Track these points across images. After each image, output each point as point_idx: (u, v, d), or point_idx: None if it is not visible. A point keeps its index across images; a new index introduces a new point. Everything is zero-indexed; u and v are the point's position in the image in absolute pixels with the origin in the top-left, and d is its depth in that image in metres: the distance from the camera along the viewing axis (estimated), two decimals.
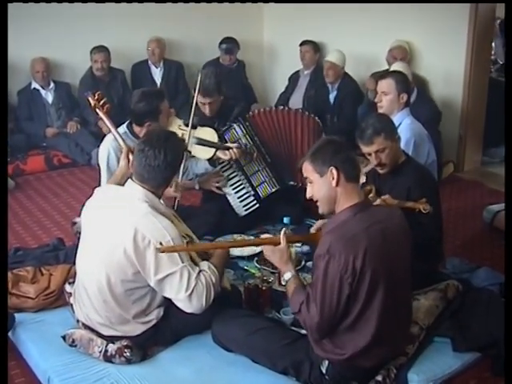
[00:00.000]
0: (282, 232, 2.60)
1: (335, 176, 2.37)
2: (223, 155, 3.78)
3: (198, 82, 3.88)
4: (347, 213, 2.39)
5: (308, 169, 2.45)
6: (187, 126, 3.73)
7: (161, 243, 2.49)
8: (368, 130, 3.06)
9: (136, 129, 3.55)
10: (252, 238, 3.67)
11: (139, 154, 2.65)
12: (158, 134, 2.75)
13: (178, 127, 3.74)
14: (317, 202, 2.49)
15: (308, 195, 2.50)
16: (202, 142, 3.75)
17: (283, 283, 2.58)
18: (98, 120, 3.26)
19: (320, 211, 2.52)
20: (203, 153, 3.79)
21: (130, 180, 2.74)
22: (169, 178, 2.71)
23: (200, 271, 2.66)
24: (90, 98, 3.42)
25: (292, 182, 4.10)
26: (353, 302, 2.35)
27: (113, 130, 3.25)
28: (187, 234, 2.85)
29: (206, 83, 3.95)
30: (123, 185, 2.87)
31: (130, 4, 6.28)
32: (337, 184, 2.38)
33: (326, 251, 2.31)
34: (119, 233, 2.59)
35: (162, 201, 2.76)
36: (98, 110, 3.36)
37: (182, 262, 2.59)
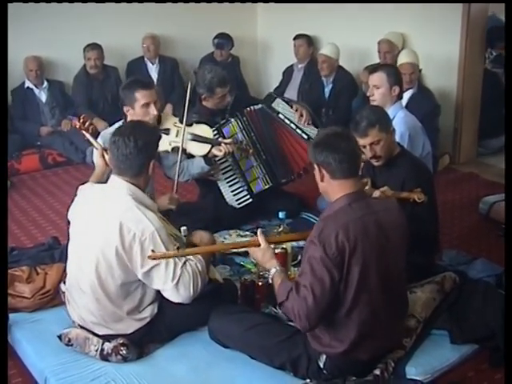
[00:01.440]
0: (259, 233, 2.62)
1: (318, 173, 2.44)
2: (218, 151, 3.76)
3: (205, 80, 3.95)
4: (342, 201, 2.41)
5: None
6: (182, 122, 3.71)
7: (153, 250, 2.52)
8: (362, 123, 3.05)
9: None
10: (247, 233, 3.80)
11: (112, 146, 2.66)
12: (127, 124, 2.79)
13: (173, 124, 3.73)
14: None
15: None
16: (197, 138, 3.74)
17: (270, 281, 2.57)
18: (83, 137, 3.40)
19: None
20: (198, 149, 3.77)
21: (112, 175, 2.74)
22: (143, 164, 2.68)
23: (186, 260, 2.66)
24: (75, 122, 3.45)
25: (284, 180, 4.11)
26: (344, 289, 2.36)
27: (99, 148, 3.25)
28: (175, 234, 2.84)
29: (221, 74, 3.99)
30: (105, 182, 2.90)
31: (128, 3, 6.26)
32: (321, 180, 2.44)
33: (317, 236, 2.32)
34: (106, 228, 2.60)
35: (147, 194, 2.76)
36: (84, 132, 3.38)
37: None
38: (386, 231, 2.41)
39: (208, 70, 4.04)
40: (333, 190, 2.43)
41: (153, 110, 3.47)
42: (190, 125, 3.76)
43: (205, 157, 3.79)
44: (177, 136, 3.67)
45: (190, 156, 3.85)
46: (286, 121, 4.07)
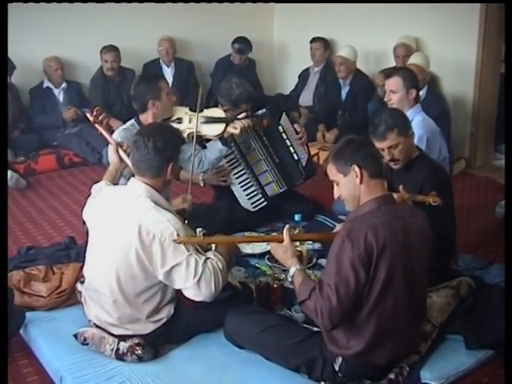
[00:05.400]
0: (285, 229, 2.63)
1: (358, 174, 2.40)
2: (233, 129, 3.71)
3: (231, 95, 3.94)
4: (371, 205, 2.42)
5: (332, 170, 2.49)
6: (194, 111, 3.70)
7: (178, 234, 2.54)
8: (381, 126, 3.06)
9: (142, 117, 3.56)
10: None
11: (133, 145, 2.69)
12: (150, 124, 2.79)
13: (184, 113, 3.72)
14: (344, 200, 2.51)
15: (335, 196, 2.54)
16: (210, 120, 3.72)
17: (289, 279, 2.58)
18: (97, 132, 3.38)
19: (347, 209, 2.55)
20: (214, 130, 3.73)
21: (132, 178, 2.76)
22: (162, 166, 2.68)
23: (207, 259, 2.66)
24: (88, 115, 3.45)
25: (298, 182, 4.14)
26: (368, 291, 2.36)
27: (112, 142, 3.26)
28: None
29: (249, 90, 4.00)
30: (118, 180, 2.99)
31: (139, 3, 6.28)
32: (360, 181, 2.41)
33: (345, 236, 2.33)
34: (126, 231, 2.61)
35: (162, 196, 2.76)
36: (97, 125, 3.39)
37: (188, 251, 2.60)
38: (412, 236, 2.41)
39: (236, 84, 3.97)
40: (368, 190, 2.42)
41: (173, 96, 3.67)
42: (201, 111, 3.75)
43: (221, 138, 3.76)
44: (190, 122, 3.66)
45: (207, 142, 3.86)
46: (283, 135, 4.06)
